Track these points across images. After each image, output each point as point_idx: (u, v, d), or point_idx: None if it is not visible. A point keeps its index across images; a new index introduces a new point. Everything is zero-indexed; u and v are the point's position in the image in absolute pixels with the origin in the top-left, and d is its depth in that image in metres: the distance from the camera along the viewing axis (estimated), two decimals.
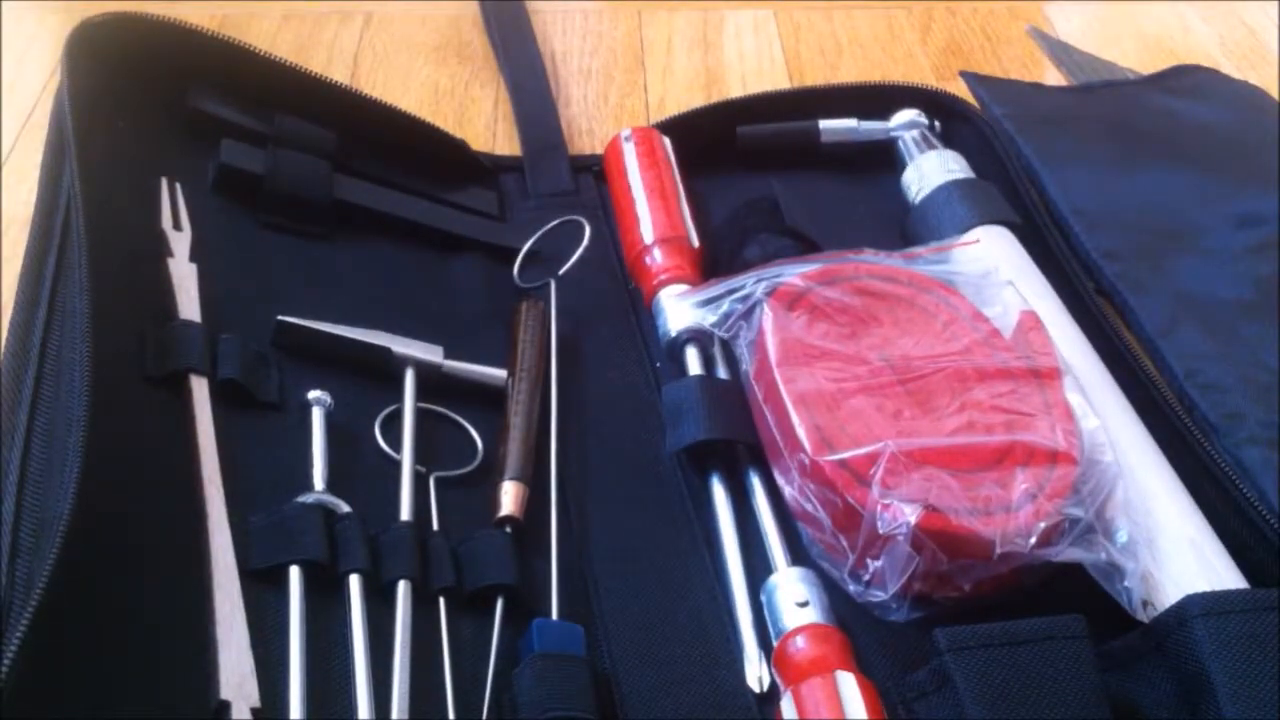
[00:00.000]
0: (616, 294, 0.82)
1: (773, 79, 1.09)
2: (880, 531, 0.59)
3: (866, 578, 0.62)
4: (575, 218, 0.81)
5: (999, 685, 0.54)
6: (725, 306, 0.72)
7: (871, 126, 0.93)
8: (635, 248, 0.81)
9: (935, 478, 0.61)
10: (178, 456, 0.61)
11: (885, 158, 0.92)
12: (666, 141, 0.89)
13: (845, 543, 0.62)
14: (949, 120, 0.94)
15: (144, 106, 0.78)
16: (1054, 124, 0.94)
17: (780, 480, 0.66)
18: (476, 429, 0.70)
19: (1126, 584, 0.63)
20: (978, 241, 0.79)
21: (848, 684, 0.56)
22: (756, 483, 0.69)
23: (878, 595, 0.61)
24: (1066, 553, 0.60)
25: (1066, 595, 0.65)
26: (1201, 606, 0.56)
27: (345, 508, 0.63)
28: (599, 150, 0.92)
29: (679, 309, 0.75)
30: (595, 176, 0.91)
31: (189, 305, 0.68)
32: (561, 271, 0.79)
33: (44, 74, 1.02)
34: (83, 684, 0.50)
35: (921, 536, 0.59)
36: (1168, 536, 0.63)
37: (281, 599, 0.58)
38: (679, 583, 0.65)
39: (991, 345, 0.69)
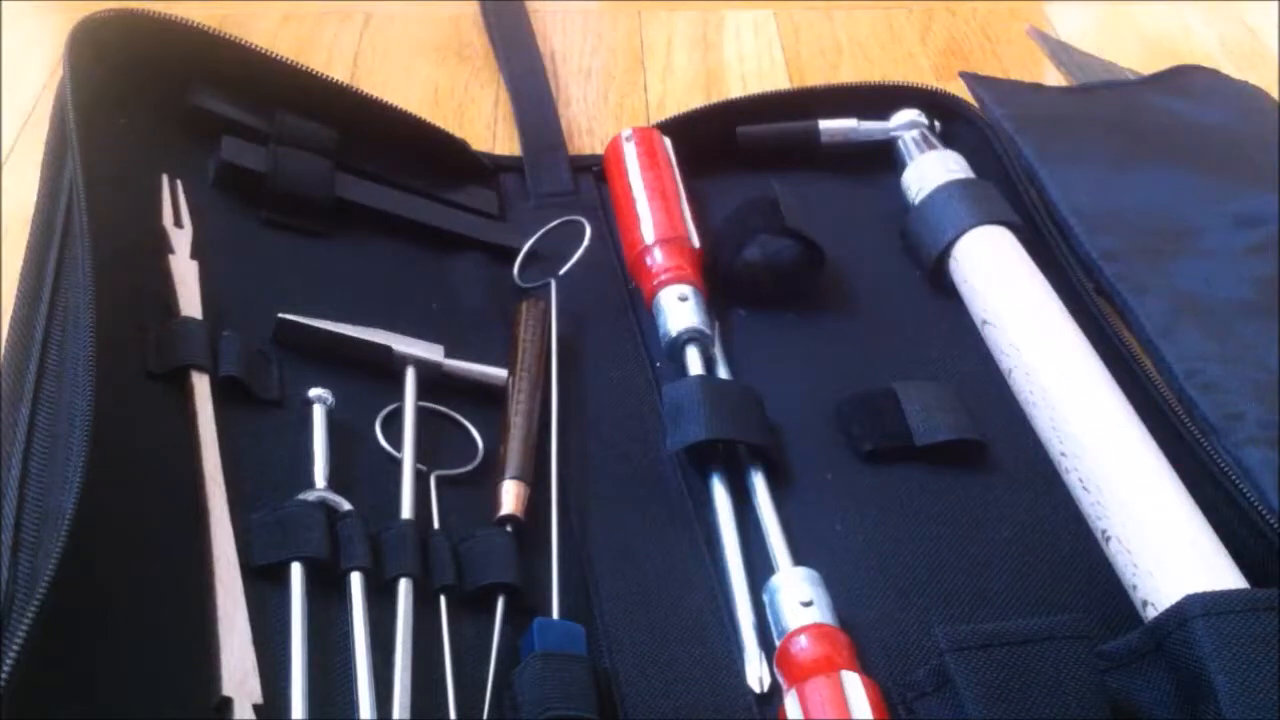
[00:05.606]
0: (616, 294, 0.82)
1: (773, 79, 1.09)
2: None
3: None
4: (575, 218, 0.81)
5: (999, 685, 0.54)
6: None
7: (871, 126, 0.93)
8: (635, 248, 0.81)
9: None
10: (179, 453, 0.61)
11: (885, 158, 0.92)
12: (667, 141, 0.89)
13: None
14: (949, 120, 0.94)
15: (145, 103, 0.78)
16: (1054, 124, 0.95)
17: None
18: (477, 428, 0.70)
19: (1127, 584, 0.64)
20: None
21: (853, 684, 0.56)
22: (758, 482, 0.69)
23: None
24: None
25: (1067, 595, 0.65)
26: (1201, 606, 0.56)
27: (346, 505, 0.63)
28: (599, 150, 0.92)
29: (681, 309, 0.76)
30: (595, 176, 0.91)
31: (190, 302, 0.68)
32: (562, 271, 0.79)
33: (44, 73, 1.02)
34: (84, 680, 0.50)
35: None
36: (1168, 536, 0.63)
37: (283, 596, 0.58)
38: (679, 583, 0.65)
39: None
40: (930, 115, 0.93)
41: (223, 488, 0.61)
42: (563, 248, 0.80)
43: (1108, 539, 0.65)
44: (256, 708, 0.54)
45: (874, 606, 0.64)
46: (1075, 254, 0.83)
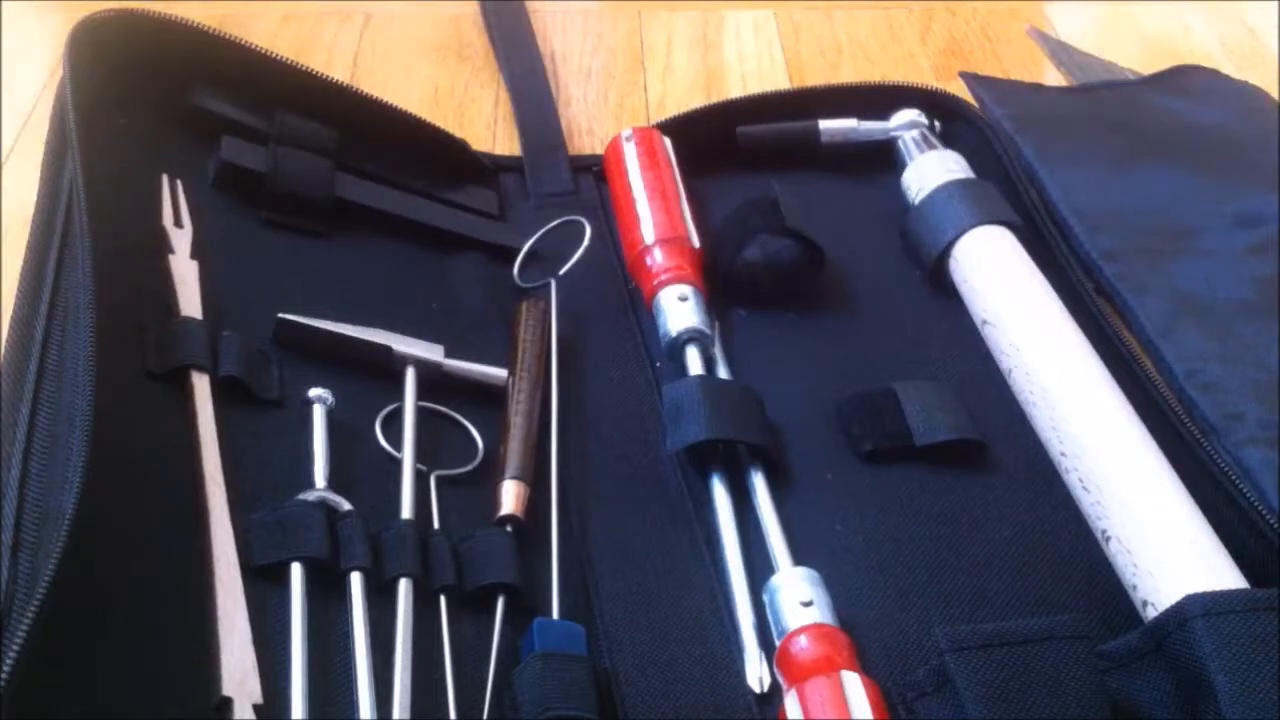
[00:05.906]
0: (616, 294, 0.82)
1: (773, 79, 1.09)
2: None
3: None
4: (575, 218, 0.81)
5: (999, 685, 0.54)
6: None
7: (871, 126, 0.93)
8: (635, 248, 0.81)
9: None
10: (179, 453, 0.61)
11: (885, 158, 0.92)
12: (667, 141, 0.89)
13: None
14: (949, 120, 0.94)
15: (145, 103, 0.78)
16: (1054, 124, 0.95)
17: None
18: (477, 428, 0.70)
19: (1127, 584, 0.64)
20: None
21: (853, 684, 0.56)
22: (757, 482, 0.69)
23: None
24: None
25: (1067, 595, 0.65)
26: (1201, 606, 0.56)
27: (346, 505, 0.63)
28: (599, 150, 0.92)
29: (681, 309, 0.76)
30: (595, 176, 0.91)
31: (190, 302, 0.68)
32: (562, 271, 0.79)
33: (44, 74, 1.02)
34: (84, 680, 0.50)
35: None
36: (1168, 536, 0.63)
37: (283, 596, 0.58)
38: (679, 583, 0.65)
39: None
40: (930, 115, 0.93)
41: (223, 488, 0.61)
42: (563, 248, 0.80)
43: (1108, 539, 0.65)
44: (256, 708, 0.54)
45: (874, 606, 0.64)
46: (1075, 254, 0.83)
